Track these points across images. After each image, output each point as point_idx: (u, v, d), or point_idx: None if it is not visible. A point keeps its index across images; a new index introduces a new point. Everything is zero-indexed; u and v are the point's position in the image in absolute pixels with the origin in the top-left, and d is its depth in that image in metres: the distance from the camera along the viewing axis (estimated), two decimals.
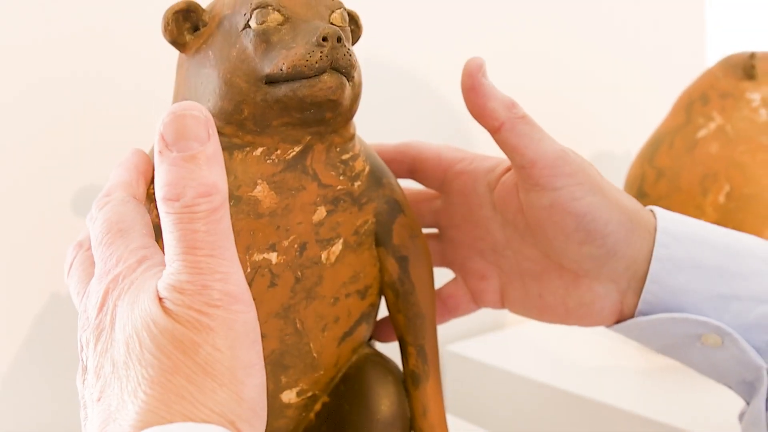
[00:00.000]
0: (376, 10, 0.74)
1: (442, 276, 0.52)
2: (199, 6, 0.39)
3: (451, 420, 0.66)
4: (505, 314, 0.90)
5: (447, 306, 0.52)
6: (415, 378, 0.46)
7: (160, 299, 0.26)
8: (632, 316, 0.44)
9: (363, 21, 0.45)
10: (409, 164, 0.50)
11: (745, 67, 0.68)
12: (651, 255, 0.42)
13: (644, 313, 0.43)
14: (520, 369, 0.75)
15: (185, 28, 0.39)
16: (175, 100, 0.41)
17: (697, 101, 0.70)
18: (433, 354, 0.46)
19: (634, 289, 0.43)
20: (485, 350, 0.81)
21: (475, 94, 0.40)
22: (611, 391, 0.68)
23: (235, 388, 0.25)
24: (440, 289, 0.52)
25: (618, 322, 0.45)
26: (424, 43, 0.81)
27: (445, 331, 0.84)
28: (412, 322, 0.45)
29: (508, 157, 0.42)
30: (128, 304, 0.27)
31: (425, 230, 0.51)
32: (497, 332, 0.87)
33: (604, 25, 1.01)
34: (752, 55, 0.68)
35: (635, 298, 0.43)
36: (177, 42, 0.40)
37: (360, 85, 0.40)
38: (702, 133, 0.69)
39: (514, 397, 0.75)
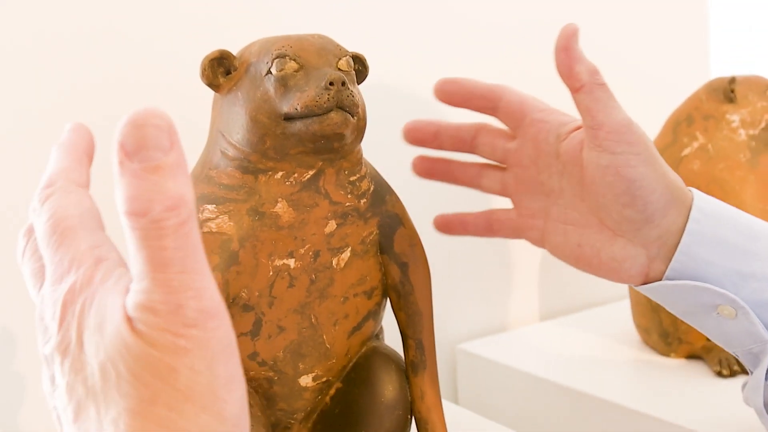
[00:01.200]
0: (388, 39, 0.82)
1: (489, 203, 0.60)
2: (231, 54, 0.48)
3: (460, 411, 0.73)
4: (512, 317, 0.97)
5: (491, 226, 0.58)
6: (414, 367, 0.53)
7: (129, 319, 0.25)
8: (657, 279, 0.50)
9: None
10: (496, 103, 0.56)
11: (725, 91, 0.74)
12: (683, 229, 0.48)
13: (671, 279, 0.50)
14: (524, 366, 0.81)
15: (219, 72, 0.47)
16: (211, 131, 0.49)
17: (683, 122, 0.77)
18: (430, 346, 0.53)
19: (662, 257, 0.50)
20: (493, 349, 0.87)
21: (566, 55, 0.47)
22: (607, 386, 0.73)
23: (217, 408, 0.25)
24: (492, 211, 0.58)
25: (643, 284, 0.51)
26: (428, 63, 0.88)
27: (457, 331, 0.91)
28: (412, 318, 0.53)
29: (581, 116, 0.48)
30: (96, 326, 0.26)
31: (493, 162, 0.58)
32: (504, 333, 0.93)
33: (609, 49, 1.06)
34: (732, 80, 0.74)
35: (661, 265, 0.50)
36: (213, 84, 0.48)
37: (364, 118, 0.48)
38: (686, 151, 0.75)
39: (518, 391, 0.81)
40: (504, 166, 0.57)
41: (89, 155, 0.34)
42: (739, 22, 1.29)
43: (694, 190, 0.49)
